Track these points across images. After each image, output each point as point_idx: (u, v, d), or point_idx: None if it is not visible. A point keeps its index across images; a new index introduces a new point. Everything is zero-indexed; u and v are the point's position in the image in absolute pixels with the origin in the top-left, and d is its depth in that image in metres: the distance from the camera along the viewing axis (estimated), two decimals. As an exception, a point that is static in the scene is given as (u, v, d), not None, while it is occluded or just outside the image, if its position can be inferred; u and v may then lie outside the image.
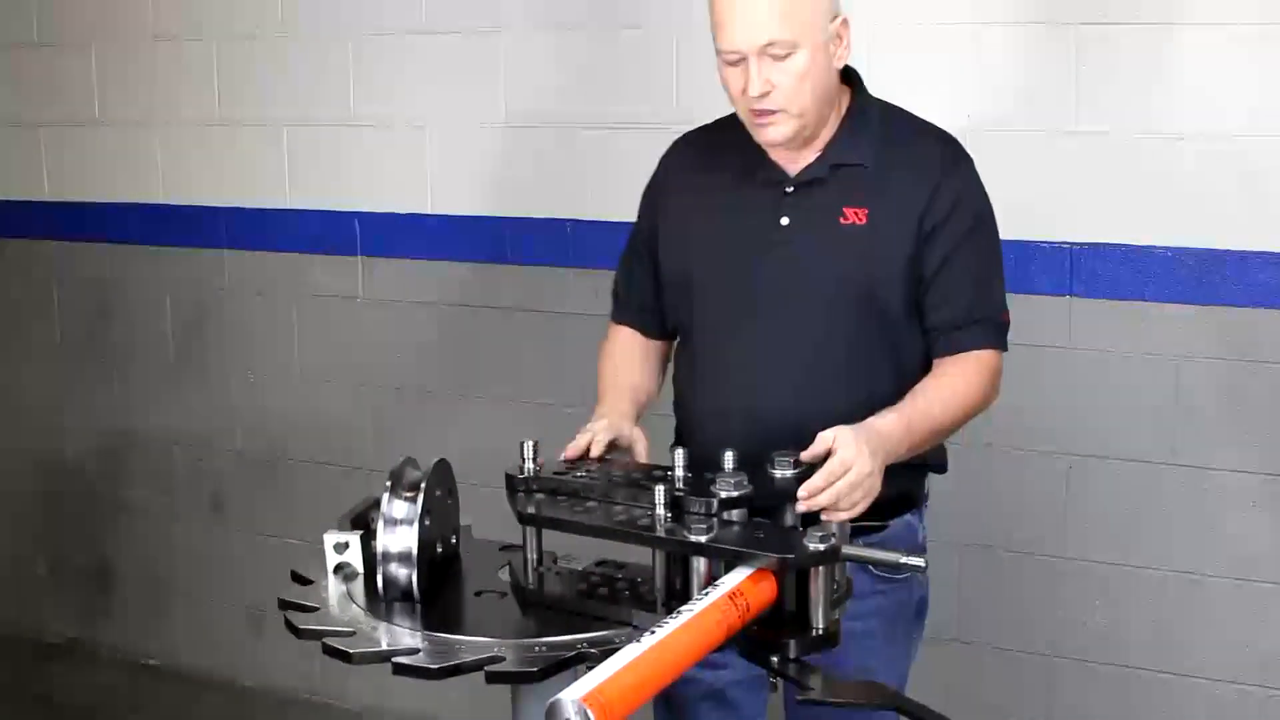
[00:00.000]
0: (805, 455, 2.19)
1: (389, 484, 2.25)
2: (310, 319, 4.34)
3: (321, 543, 2.31)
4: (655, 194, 2.70)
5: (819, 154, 2.50)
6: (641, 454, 2.42)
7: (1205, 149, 3.17)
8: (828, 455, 2.18)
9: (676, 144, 2.72)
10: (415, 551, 2.21)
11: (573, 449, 2.36)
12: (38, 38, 4.63)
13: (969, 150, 2.54)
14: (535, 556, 2.26)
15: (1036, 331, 3.29)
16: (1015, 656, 3.50)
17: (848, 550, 2.04)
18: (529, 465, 2.27)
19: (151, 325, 4.64)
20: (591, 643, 2.05)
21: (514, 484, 2.27)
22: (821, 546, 1.99)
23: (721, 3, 2.38)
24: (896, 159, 2.49)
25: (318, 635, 2.12)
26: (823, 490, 2.15)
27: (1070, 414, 3.39)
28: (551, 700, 1.68)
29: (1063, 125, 3.29)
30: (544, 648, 2.04)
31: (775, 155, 2.51)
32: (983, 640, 3.53)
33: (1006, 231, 2.51)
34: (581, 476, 2.26)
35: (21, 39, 4.65)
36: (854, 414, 2.30)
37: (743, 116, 2.46)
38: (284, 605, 2.24)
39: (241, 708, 4.53)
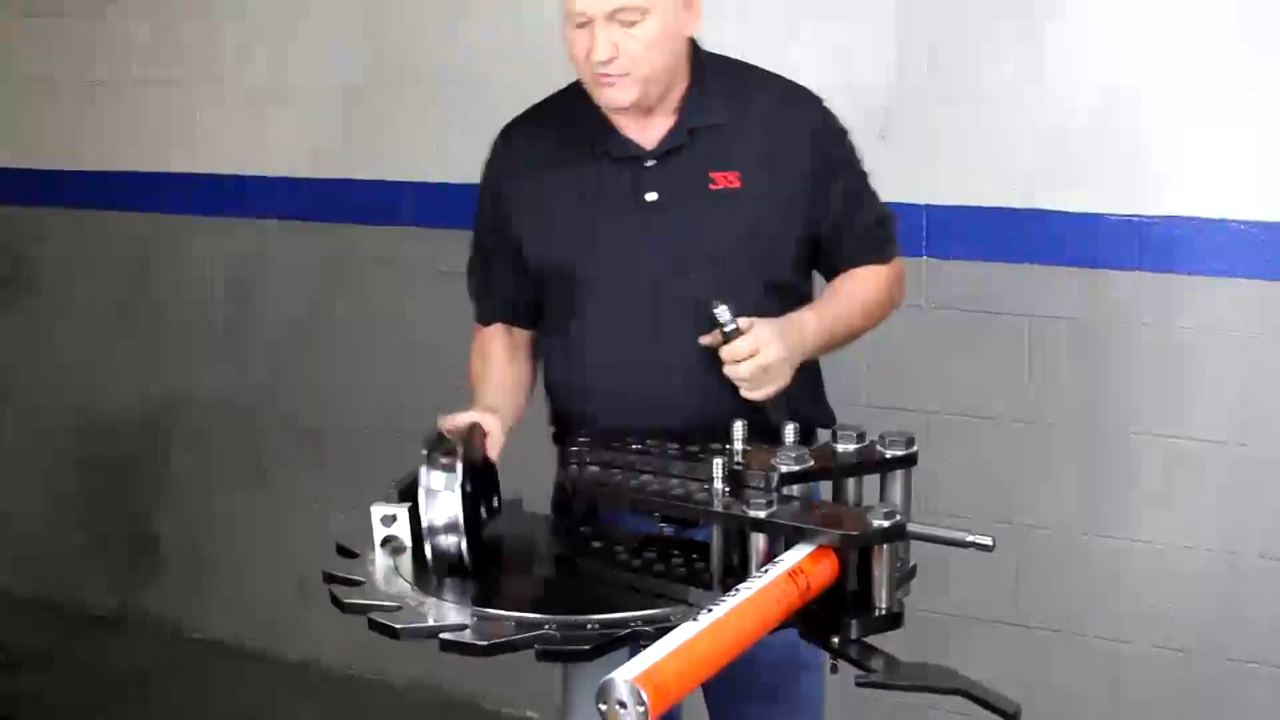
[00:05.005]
0: (707, 339, 2.30)
1: (425, 453, 2.18)
2: (361, 287, 4.26)
3: (369, 514, 2.25)
4: (497, 187, 2.57)
5: (673, 121, 2.43)
6: (492, 449, 2.33)
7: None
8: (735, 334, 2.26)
9: (504, 134, 2.59)
10: (461, 520, 2.14)
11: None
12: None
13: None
14: (588, 530, 2.19)
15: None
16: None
17: (913, 528, 1.97)
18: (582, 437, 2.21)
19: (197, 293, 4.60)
20: (646, 620, 1.97)
21: (566, 456, 2.21)
22: (886, 524, 1.92)
23: None
24: (756, 113, 2.45)
25: (363, 610, 2.05)
26: (735, 363, 2.26)
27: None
28: (603, 680, 1.61)
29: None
30: (596, 625, 1.96)
31: (625, 128, 2.44)
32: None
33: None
34: (637, 448, 2.19)
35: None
36: None
37: (584, 77, 2.39)
38: (329, 579, 2.17)
39: (284, 681, 4.48)
